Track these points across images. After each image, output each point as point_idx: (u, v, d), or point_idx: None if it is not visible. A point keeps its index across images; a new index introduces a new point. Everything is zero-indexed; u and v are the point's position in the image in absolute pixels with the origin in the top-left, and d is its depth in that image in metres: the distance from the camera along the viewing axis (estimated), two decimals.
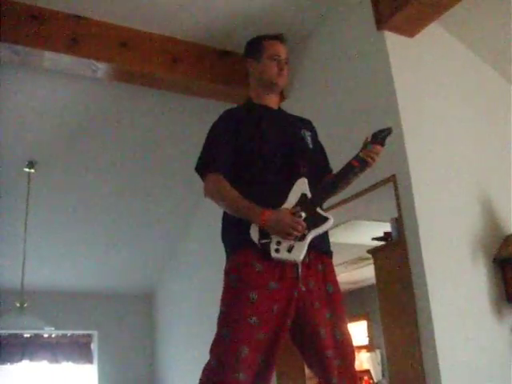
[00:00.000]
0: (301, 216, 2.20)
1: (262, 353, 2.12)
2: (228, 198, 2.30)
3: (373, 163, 2.34)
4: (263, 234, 2.19)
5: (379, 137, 2.34)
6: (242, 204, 2.25)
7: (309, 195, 2.27)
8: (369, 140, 2.34)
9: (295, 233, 2.16)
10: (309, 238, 2.21)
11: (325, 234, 2.35)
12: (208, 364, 2.13)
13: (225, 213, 2.38)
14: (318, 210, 2.26)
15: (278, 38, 2.56)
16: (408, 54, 3.99)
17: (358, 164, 2.31)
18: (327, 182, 2.38)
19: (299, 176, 2.31)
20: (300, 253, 2.19)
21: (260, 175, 2.34)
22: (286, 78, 2.54)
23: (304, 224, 2.18)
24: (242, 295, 2.14)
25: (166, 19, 4.38)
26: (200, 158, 2.44)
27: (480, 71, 4.39)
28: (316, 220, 2.23)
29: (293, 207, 2.23)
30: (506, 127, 4.25)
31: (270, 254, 2.17)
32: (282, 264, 2.19)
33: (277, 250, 2.18)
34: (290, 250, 2.18)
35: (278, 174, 2.33)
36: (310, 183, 2.31)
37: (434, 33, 4.07)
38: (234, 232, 2.32)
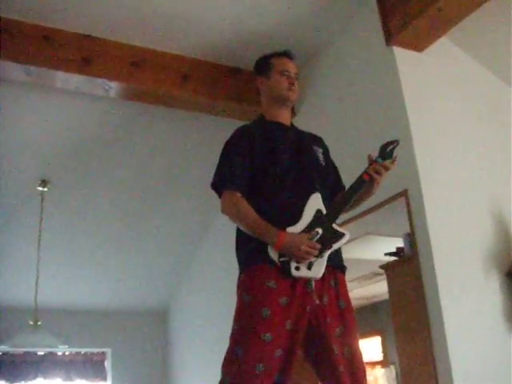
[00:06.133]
0: (317, 233, 2.21)
1: (278, 369, 2.11)
2: (246, 219, 2.29)
3: (380, 178, 2.34)
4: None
5: (387, 150, 2.34)
6: (259, 226, 2.25)
7: (324, 211, 2.28)
8: (376, 155, 2.34)
9: (311, 257, 2.18)
10: (326, 253, 2.23)
11: (338, 249, 2.35)
12: (221, 382, 2.12)
13: (239, 228, 2.39)
14: (334, 225, 2.27)
15: (286, 54, 2.59)
16: (417, 68, 3.99)
17: (369, 177, 2.32)
18: (341, 197, 2.38)
19: (313, 192, 2.32)
20: (320, 269, 2.21)
21: (274, 192, 2.34)
22: (296, 92, 2.55)
23: (319, 247, 2.19)
24: (255, 312, 2.14)
25: (176, 38, 4.43)
26: (216, 175, 2.44)
27: (491, 85, 4.37)
28: (332, 236, 2.25)
29: (308, 227, 2.23)
30: None
31: (290, 272, 2.18)
32: (295, 280, 2.19)
33: (297, 268, 2.18)
34: (309, 267, 2.19)
35: (291, 191, 2.34)
36: (323, 199, 2.31)
37: (443, 47, 4.08)
38: (248, 248, 2.32)
